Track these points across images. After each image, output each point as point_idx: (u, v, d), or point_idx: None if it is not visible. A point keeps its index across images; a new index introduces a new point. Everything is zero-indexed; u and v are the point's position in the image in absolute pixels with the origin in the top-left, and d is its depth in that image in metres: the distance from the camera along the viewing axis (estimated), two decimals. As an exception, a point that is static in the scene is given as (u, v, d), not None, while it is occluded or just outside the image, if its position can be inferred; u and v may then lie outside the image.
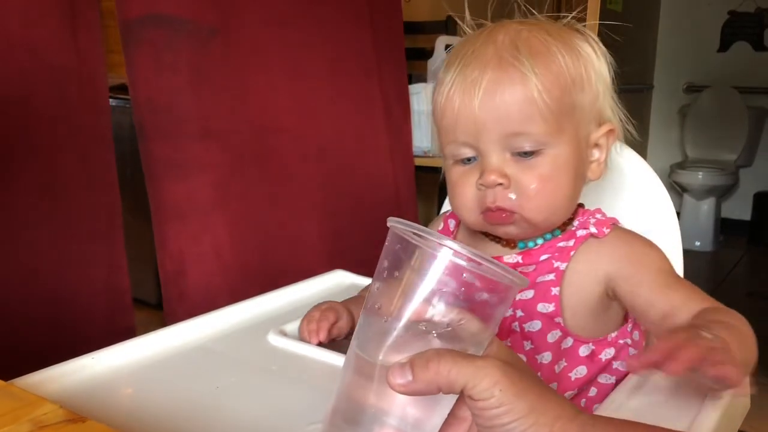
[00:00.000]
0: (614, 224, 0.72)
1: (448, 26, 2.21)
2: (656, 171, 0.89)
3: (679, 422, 0.61)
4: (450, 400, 0.45)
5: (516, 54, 0.64)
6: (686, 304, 0.65)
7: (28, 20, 1.05)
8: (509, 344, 0.70)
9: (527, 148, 0.65)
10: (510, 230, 0.69)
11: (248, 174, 1.34)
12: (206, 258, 1.27)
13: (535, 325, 0.70)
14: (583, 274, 0.70)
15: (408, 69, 2.27)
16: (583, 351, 0.70)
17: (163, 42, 1.19)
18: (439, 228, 0.82)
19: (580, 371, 0.70)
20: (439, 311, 0.43)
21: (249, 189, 1.34)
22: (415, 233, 0.43)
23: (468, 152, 0.68)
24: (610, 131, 0.71)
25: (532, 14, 0.72)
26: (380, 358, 0.43)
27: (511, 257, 0.72)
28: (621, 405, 0.63)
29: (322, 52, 1.55)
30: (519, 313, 0.70)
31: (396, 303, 0.43)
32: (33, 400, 0.45)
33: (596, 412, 0.62)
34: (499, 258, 0.72)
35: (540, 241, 0.72)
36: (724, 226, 4.10)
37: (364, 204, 1.68)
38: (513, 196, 0.66)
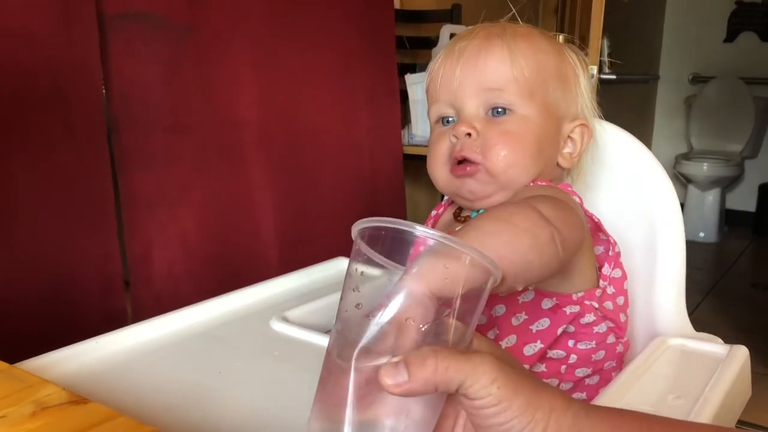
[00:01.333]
0: (552, 185, 0.73)
1: (453, 15, 2.20)
2: (661, 162, 0.89)
3: (678, 411, 0.61)
4: (441, 400, 0.43)
5: (502, 33, 0.72)
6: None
7: (21, 10, 1.06)
8: None
9: (500, 103, 0.71)
10: (474, 186, 0.72)
11: (215, 166, 1.39)
12: (172, 245, 1.32)
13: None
14: None
15: (412, 58, 2.26)
16: (546, 304, 0.71)
17: (138, 38, 1.24)
18: (426, 221, 0.83)
19: (543, 323, 0.70)
20: (418, 309, 0.41)
21: (215, 180, 1.39)
22: (384, 226, 0.41)
23: (447, 111, 0.74)
24: (584, 126, 0.76)
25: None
26: (367, 364, 0.40)
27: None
28: (620, 394, 0.63)
29: (300, 47, 1.58)
30: None
31: (375, 303, 0.41)
32: (36, 382, 0.46)
33: (596, 401, 0.62)
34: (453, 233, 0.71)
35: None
36: (729, 217, 4.09)
37: (335, 194, 1.70)
38: (479, 147, 0.71)
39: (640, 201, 0.88)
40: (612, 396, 0.63)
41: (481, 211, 0.75)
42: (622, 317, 0.75)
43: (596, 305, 0.72)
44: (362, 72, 1.77)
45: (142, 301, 1.28)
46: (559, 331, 0.70)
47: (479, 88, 0.71)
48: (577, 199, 0.74)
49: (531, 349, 0.70)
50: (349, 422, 0.40)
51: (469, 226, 0.53)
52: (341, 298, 0.44)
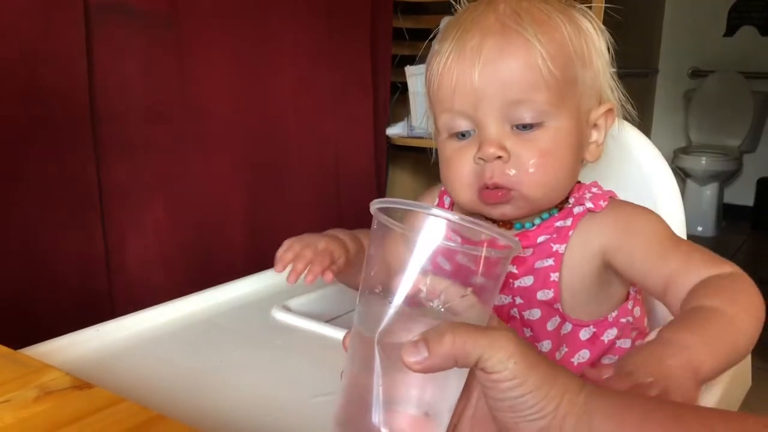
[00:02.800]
0: (611, 197, 0.69)
1: (453, 6, 2.19)
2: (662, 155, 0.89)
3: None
4: (461, 378, 0.44)
5: (519, 21, 0.62)
6: (684, 274, 0.62)
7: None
8: None
9: (528, 119, 0.62)
10: (506, 210, 0.66)
11: (191, 156, 1.40)
12: (146, 234, 1.33)
13: (535, 314, 0.68)
14: (580, 252, 0.67)
15: (412, 50, 2.25)
16: (584, 335, 0.69)
17: (118, 29, 1.25)
18: (434, 203, 0.78)
19: (583, 355, 0.69)
20: (439, 285, 0.42)
21: (191, 170, 1.41)
22: (402, 208, 0.42)
23: (464, 125, 0.64)
24: (609, 111, 0.69)
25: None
26: (390, 341, 0.42)
27: None
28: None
29: (276, 41, 1.59)
30: (518, 300, 0.69)
31: (395, 283, 0.42)
32: (39, 366, 0.46)
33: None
34: None
35: (537, 221, 0.68)
36: (727, 212, 4.09)
37: (305, 186, 1.72)
38: (512, 171, 0.63)
39: (641, 193, 0.88)
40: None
41: (527, 225, 0.69)
42: (645, 321, 0.74)
43: (630, 319, 0.70)
44: (332, 64, 1.78)
45: (118, 286, 1.31)
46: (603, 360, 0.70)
47: (505, 101, 0.62)
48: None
49: None
50: (378, 400, 0.41)
51: (692, 319, 0.57)
52: (362, 279, 0.45)
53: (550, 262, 0.67)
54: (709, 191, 3.90)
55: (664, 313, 0.81)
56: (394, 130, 2.11)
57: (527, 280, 0.68)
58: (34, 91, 1.14)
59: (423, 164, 2.50)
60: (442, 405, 0.44)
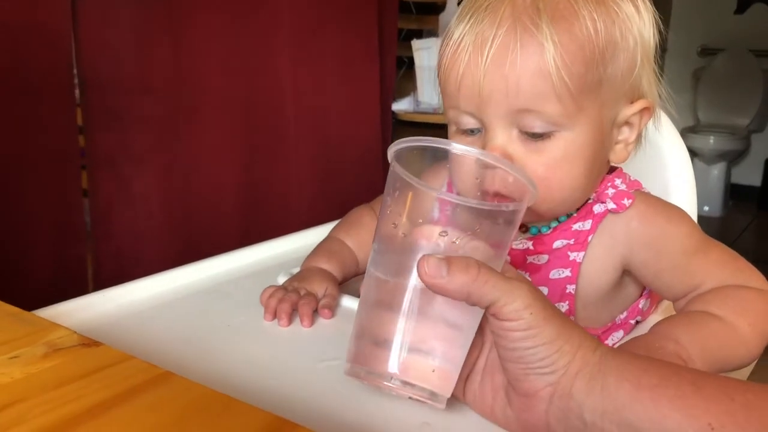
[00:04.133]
0: (637, 190, 0.64)
1: (461, -20, 2.17)
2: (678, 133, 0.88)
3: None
4: (474, 328, 0.44)
5: (536, 17, 0.55)
6: (706, 282, 0.61)
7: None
8: None
9: (537, 129, 0.57)
10: None
11: (181, 128, 1.40)
12: (134, 203, 1.34)
13: None
14: (601, 263, 0.64)
15: (418, 24, 2.23)
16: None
17: (109, 0, 1.25)
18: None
19: None
20: (457, 222, 0.42)
21: (181, 142, 1.41)
22: (424, 145, 0.43)
23: (471, 123, 0.60)
24: (645, 109, 0.62)
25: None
26: (406, 278, 0.42)
27: (521, 243, 0.65)
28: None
29: (270, 9, 1.58)
30: None
31: (413, 218, 0.43)
32: (47, 325, 0.46)
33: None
34: None
35: (554, 224, 0.64)
36: (734, 192, 4.08)
37: (303, 159, 1.71)
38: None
39: (654, 174, 0.87)
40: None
41: (542, 229, 0.65)
42: (650, 309, 0.73)
43: (640, 319, 0.69)
44: (337, 37, 1.77)
45: (103, 254, 1.32)
46: None
47: (511, 108, 0.56)
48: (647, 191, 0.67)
49: None
50: (398, 337, 0.42)
51: (692, 315, 0.58)
52: (379, 218, 0.46)
53: (567, 273, 0.64)
54: (717, 171, 3.88)
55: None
56: (400, 106, 2.10)
57: (542, 291, 0.65)
58: (15, 59, 1.14)
59: (429, 140, 2.48)
60: (456, 354, 0.44)
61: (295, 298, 0.67)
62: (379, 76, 1.95)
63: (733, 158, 3.97)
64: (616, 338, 0.68)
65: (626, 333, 0.69)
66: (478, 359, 0.46)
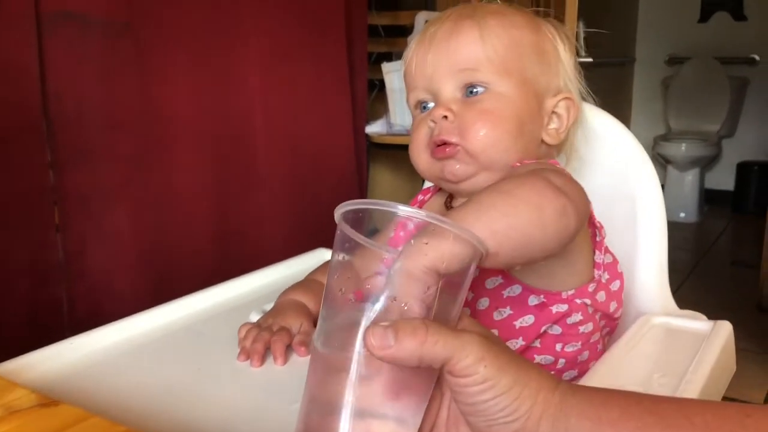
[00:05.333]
0: (540, 162, 0.71)
1: (428, 1, 2.19)
2: (640, 143, 0.88)
3: (665, 389, 0.61)
4: (432, 381, 0.43)
5: (473, 13, 0.71)
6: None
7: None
8: None
9: (474, 83, 0.69)
10: (454, 168, 0.70)
11: (152, 162, 1.40)
12: (107, 241, 1.33)
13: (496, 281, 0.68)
14: None
15: (388, 46, 2.24)
16: (533, 300, 0.68)
17: (75, 37, 1.24)
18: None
19: (527, 320, 0.68)
20: (406, 289, 0.41)
21: (152, 177, 1.41)
22: (370, 208, 0.41)
23: (425, 96, 0.73)
24: (569, 100, 0.74)
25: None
26: (352, 350, 0.40)
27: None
28: (606, 375, 0.63)
29: (238, 41, 1.58)
30: None
31: (359, 285, 0.41)
32: (5, 385, 0.44)
33: (581, 382, 0.62)
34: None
35: (483, 185, 0.68)
36: (708, 197, 4.13)
37: (276, 190, 1.71)
38: (456, 128, 0.69)
39: (621, 182, 0.87)
40: (598, 377, 0.62)
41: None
42: (612, 306, 0.73)
43: (588, 302, 0.70)
44: (306, 63, 1.77)
45: (77, 292, 1.30)
46: (542, 329, 0.69)
47: (453, 70, 0.70)
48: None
49: (511, 345, 0.68)
50: (347, 407, 0.40)
51: (470, 200, 0.52)
52: (326, 286, 0.43)
53: None
54: (690, 177, 3.93)
55: (642, 306, 0.81)
56: (374, 128, 2.10)
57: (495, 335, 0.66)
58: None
59: (403, 161, 2.48)
60: (412, 414, 0.42)
61: (268, 336, 0.67)
62: (351, 100, 1.95)
63: (705, 164, 4.03)
64: (561, 309, 0.68)
65: (572, 310, 0.68)
66: (440, 411, 0.45)
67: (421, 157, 0.73)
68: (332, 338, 0.43)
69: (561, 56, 0.74)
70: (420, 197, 0.83)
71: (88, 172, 1.30)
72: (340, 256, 0.43)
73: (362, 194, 2.04)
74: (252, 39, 1.60)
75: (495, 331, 0.68)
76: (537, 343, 0.69)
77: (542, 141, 0.74)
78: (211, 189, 1.54)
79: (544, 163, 0.71)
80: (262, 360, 0.65)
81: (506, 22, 0.71)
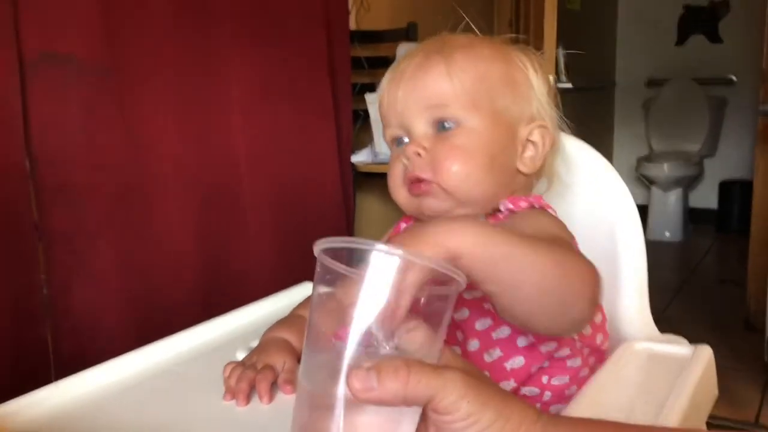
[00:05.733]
0: (532, 204, 0.73)
1: (409, 33, 2.22)
2: (623, 165, 0.91)
3: (648, 416, 0.61)
4: (416, 416, 0.43)
5: (441, 48, 0.72)
6: None
7: None
8: None
9: (444, 118, 0.70)
10: (431, 203, 0.71)
11: (135, 201, 1.41)
12: (91, 279, 1.33)
13: (464, 313, 0.69)
14: None
15: (371, 78, 2.27)
16: (521, 342, 0.69)
17: (58, 79, 1.26)
18: (389, 233, 0.82)
19: (517, 362, 0.69)
20: (386, 323, 0.41)
21: (136, 215, 1.41)
22: (346, 248, 0.42)
23: (399, 132, 0.74)
24: (543, 128, 0.74)
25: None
26: (336, 388, 0.41)
27: None
28: (588, 403, 0.64)
29: (221, 78, 1.59)
30: None
31: (340, 324, 0.41)
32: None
33: (565, 411, 0.62)
34: None
35: None
36: (693, 216, 4.17)
37: (264, 227, 1.71)
38: (429, 165, 0.70)
39: (598, 209, 0.89)
40: (582, 405, 0.63)
41: None
42: (599, 338, 0.73)
43: (576, 336, 0.70)
44: (290, 98, 1.79)
45: (62, 332, 1.30)
46: (533, 369, 0.69)
47: (423, 106, 0.71)
48: (553, 213, 0.73)
49: (503, 386, 0.68)
50: None
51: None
52: (308, 323, 0.44)
53: None
54: (674, 197, 3.98)
55: (624, 332, 0.82)
56: (359, 158, 2.12)
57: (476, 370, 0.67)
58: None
59: (385, 188, 2.50)
60: None
61: (252, 374, 0.67)
62: (336, 131, 1.97)
63: (688, 183, 4.08)
64: (550, 347, 0.69)
65: (559, 345, 0.70)
66: None
67: (399, 193, 0.74)
68: (317, 376, 0.43)
69: (533, 84, 0.74)
70: (402, 224, 0.83)
71: (72, 212, 1.30)
72: (322, 291, 0.43)
73: (349, 224, 2.04)
74: (234, 76, 1.61)
75: (486, 373, 0.68)
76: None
77: (518, 170, 0.74)
78: (195, 226, 1.53)
79: (541, 213, 0.71)
80: (248, 399, 0.65)
81: (473, 55, 0.72)
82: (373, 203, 2.47)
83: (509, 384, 0.69)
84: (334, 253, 0.42)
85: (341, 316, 0.42)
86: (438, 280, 0.43)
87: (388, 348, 0.41)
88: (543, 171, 0.78)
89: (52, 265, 1.28)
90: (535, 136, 0.74)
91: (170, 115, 1.46)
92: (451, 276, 0.43)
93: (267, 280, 1.64)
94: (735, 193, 4.09)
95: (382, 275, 0.41)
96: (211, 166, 1.57)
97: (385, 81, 0.75)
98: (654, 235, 3.91)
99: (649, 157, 4.09)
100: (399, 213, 0.83)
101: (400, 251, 0.41)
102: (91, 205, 1.33)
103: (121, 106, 1.37)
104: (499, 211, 0.73)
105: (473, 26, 0.77)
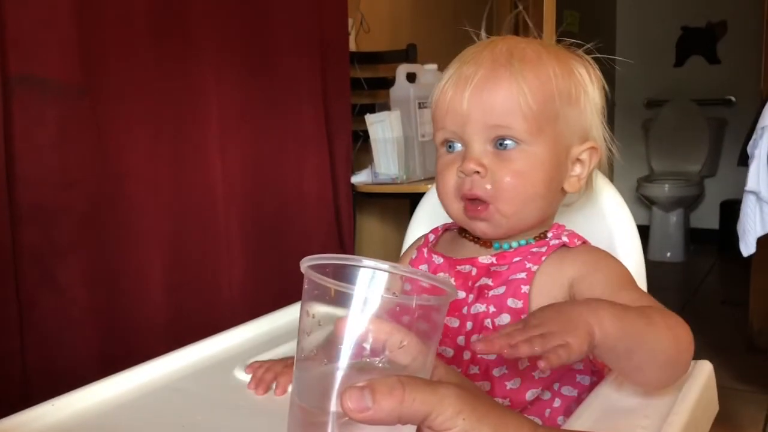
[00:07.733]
0: (585, 242, 0.76)
1: (409, 54, 2.24)
2: (623, 185, 0.91)
3: (645, 430, 0.61)
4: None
5: (509, 58, 0.71)
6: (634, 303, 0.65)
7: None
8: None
9: (506, 141, 0.70)
10: (485, 228, 0.73)
11: (106, 220, 1.41)
12: (61, 297, 1.33)
13: (504, 319, 0.71)
14: (552, 278, 0.72)
15: (371, 99, 2.29)
16: (530, 396, 0.71)
17: (33, 100, 1.27)
18: (413, 256, 0.82)
19: (515, 382, 0.71)
20: (377, 338, 0.41)
21: (107, 233, 1.41)
22: (336, 263, 0.42)
23: (453, 137, 0.73)
24: (593, 149, 0.75)
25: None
26: (329, 405, 0.40)
27: (486, 258, 0.75)
28: (589, 416, 0.63)
29: (211, 100, 1.60)
30: (491, 308, 0.72)
31: (331, 342, 0.41)
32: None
33: (566, 424, 0.62)
34: (473, 259, 0.75)
35: (515, 245, 0.75)
36: (694, 236, 4.16)
37: (239, 249, 1.70)
38: (488, 186, 0.71)
39: (599, 229, 0.89)
40: (582, 419, 0.62)
41: (504, 246, 0.75)
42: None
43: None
44: (276, 120, 1.79)
45: (34, 351, 1.29)
46: (532, 394, 0.71)
47: (487, 123, 0.70)
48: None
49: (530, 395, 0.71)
50: None
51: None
52: (297, 343, 0.44)
53: (523, 275, 0.72)
54: (675, 217, 3.97)
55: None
56: (359, 178, 2.13)
57: (500, 290, 0.72)
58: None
59: (389, 209, 2.50)
60: None
61: (279, 368, 0.72)
62: (329, 153, 1.97)
63: (689, 204, 4.08)
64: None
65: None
66: None
67: (452, 205, 0.75)
68: (309, 393, 0.43)
69: (590, 98, 0.74)
70: (431, 236, 0.83)
71: (43, 230, 1.31)
72: (310, 307, 0.43)
73: (343, 244, 2.04)
74: (215, 101, 1.60)
75: (518, 380, 0.71)
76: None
77: (562, 189, 0.76)
78: (168, 246, 1.52)
79: (597, 251, 0.74)
80: (267, 390, 0.70)
81: (543, 73, 0.71)
82: (373, 222, 2.47)
83: (536, 391, 0.71)
84: (322, 270, 0.42)
85: (332, 331, 0.41)
86: (429, 292, 0.43)
87: (379, 363, 0.41)
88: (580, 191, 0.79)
89: (23, 281, 1.28)
90: (584, 155, 0.75)
91: (146, 138, 1.46)
92: (442, 288, 0.43)
93: (238, 302, 1.63)
94: (736, 213, 4.07)
95: (371, 290, 0.41)
96: (186, 188, 1.56)
97: (446, 82, 0.73)
98: (655, 256, 3.90)
99: (650, 178, 4.10)
100: (399, 233, 0.82)
101: (386, 266, 0.41)
102: (62, 223, 1.33)
103: (95, 127, 1.37)
104: (546, 236, 0.75)
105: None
